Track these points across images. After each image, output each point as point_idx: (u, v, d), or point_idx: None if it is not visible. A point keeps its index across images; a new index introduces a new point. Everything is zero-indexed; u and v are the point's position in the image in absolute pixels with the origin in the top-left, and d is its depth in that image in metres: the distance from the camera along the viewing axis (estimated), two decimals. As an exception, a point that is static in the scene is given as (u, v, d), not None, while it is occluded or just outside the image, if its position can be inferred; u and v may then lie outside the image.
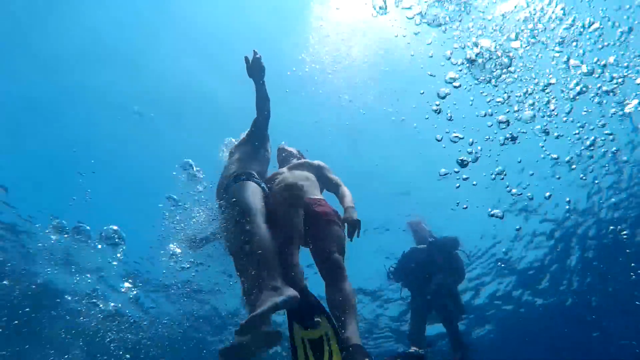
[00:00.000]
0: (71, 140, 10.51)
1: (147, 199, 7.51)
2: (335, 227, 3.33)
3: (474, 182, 7.84)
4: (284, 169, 3.93)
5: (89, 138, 10.73)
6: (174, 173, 5.19)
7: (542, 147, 8.31)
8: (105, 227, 7.84)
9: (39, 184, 9.58)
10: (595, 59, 6.60)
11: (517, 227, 10.25)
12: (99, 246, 8.21)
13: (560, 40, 6.43)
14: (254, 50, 3.70)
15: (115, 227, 7.82)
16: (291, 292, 2.62)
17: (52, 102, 10.20)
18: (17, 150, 9.96)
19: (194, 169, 5.38)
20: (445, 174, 7.63)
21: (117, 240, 7.90)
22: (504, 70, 6.14)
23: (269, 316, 2.57)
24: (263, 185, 3.50)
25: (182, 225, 4.69)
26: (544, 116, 7.17)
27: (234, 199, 3.15)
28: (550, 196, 9.59)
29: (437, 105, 6.25)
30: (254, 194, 3.20)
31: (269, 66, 3.67)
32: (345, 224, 3.39)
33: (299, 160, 4.14)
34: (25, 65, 9.43)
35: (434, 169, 8.37)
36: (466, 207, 8.84)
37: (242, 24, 10.56)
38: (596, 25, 6.23)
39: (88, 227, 8.03)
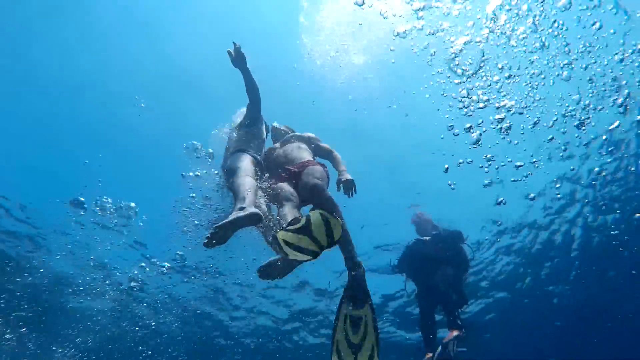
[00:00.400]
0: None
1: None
2: (311, 165, 3.80)
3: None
4: (277, 144, 4.48)
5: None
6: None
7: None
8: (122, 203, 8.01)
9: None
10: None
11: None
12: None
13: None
14: (233, 42, 4.07)
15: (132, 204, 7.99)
16: (253, 210, 3.12)
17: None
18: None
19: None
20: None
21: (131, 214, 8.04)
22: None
23: (232, 228, 3.03)
24: (255, 155, 4.05)
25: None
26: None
27: (229, 167, 3.79)
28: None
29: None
30: (243, 160, 3.82)
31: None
32: (341, 185, 3.92)
33: (289, 134, 4.62)
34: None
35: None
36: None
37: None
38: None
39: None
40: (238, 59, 4.08)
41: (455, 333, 7.07)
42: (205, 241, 2.98)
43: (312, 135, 4.57)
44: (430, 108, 7.91)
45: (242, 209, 3.15)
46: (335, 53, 6.88)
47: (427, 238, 8.28)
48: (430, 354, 7.06)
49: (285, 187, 3.67)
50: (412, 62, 7.09)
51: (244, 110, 4.44)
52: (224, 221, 3.01)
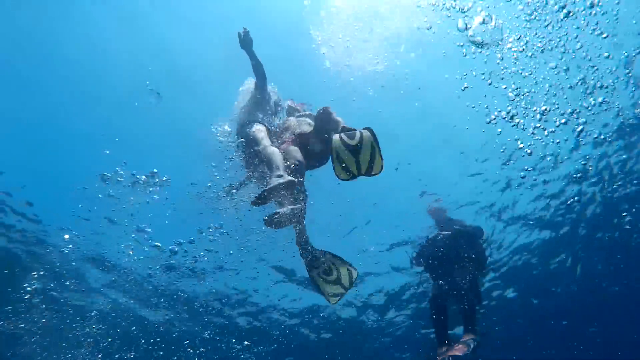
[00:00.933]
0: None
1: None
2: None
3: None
4: (292, 118, 4.96)
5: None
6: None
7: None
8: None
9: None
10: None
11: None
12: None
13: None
14: (243, 27, 4.75)
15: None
16: (290, 178, 3.57)
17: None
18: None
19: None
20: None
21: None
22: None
23: (274, 192, 3.51)
24: (266, 124, 4.67)
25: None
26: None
27: (250, 137, 4.39)
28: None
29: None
30: (261, 130, 4.44)
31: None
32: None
33: (305, 112, 5.10)
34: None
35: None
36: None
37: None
38: None
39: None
40: (246, 41, 4.75)
41: (471, 336, 7.05)
42: (253, 200, 3.56)
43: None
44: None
45: (280, 176, 3.60)
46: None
47: (449, 232, 8.24)
48: (444, 348, 7.06)
49: (294, 150, 4.20)
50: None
51: (248, 86, 5.16)
52: (268, 186, 3.50)
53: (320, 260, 4.06)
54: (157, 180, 7.22)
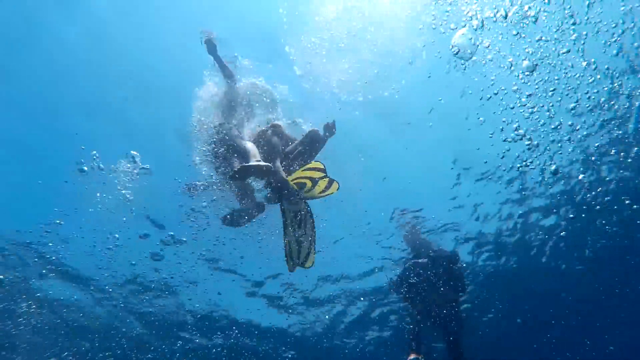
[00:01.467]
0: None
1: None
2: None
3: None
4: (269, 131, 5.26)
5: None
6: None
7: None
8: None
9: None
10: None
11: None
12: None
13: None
14: (206, 32, 5.35)
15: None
16: (267, 163, 4.00)
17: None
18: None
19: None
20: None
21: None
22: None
23: (250, 170, 3.91)
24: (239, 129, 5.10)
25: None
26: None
27: (229, 142, 4.78)
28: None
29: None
30: (235, 131, 4.91)
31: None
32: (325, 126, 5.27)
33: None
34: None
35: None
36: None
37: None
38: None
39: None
40: (210, 47, 5.30)
41: None
42: (231, 174, 3.93)
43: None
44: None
45: (258, 160, 4.03)
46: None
47: (425, 260, 8.10)
48: (414, 355, 6.83)
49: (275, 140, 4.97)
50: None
51: (212, 88, 5.51)
52: (247, 163, 3.91)
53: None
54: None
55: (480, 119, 7.26)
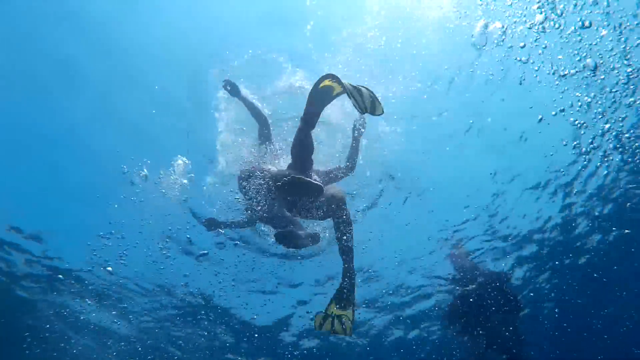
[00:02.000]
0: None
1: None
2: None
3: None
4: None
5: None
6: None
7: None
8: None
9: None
10: None
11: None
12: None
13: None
14: (224, 81, 5.12)
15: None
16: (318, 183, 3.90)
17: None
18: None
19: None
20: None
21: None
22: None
23: (302, 186, 3.77)
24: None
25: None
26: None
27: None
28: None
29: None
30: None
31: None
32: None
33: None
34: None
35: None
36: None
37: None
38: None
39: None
40: (233, 90, 5.05)
41: None
42: (285, 181, 3.83)
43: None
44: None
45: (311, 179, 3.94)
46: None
47: (473, 287, 8.03)
48: None
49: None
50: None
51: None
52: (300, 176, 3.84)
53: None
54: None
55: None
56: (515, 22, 5.52)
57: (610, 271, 10.02)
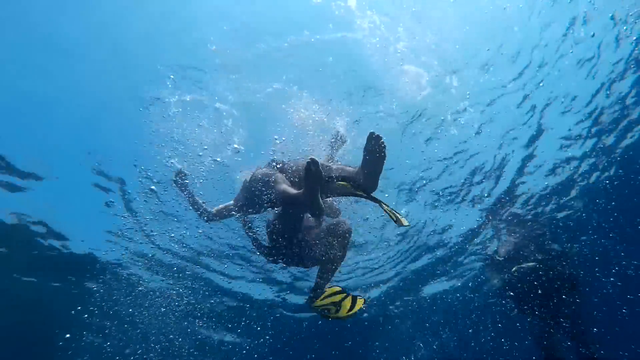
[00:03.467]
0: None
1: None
2: None
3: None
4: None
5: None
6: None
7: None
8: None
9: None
10: None
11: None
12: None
13: None
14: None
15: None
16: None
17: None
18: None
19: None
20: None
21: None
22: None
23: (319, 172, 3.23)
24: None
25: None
26: None
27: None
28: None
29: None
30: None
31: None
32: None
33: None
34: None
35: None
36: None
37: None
38: None
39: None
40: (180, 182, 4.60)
41: None
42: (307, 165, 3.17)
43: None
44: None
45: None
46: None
47: (533, 264, 7.75)
48: None
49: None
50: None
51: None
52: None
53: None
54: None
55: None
56: None
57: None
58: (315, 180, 3.18)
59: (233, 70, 5.57)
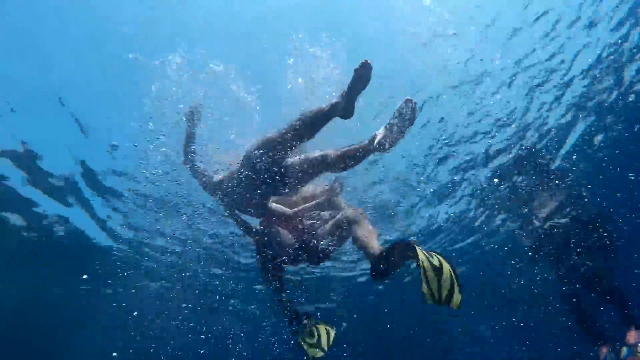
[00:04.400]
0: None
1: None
2: None
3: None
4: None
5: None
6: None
7: None
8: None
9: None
10: None
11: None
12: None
13: None
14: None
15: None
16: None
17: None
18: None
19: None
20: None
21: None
22: None
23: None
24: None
25: None
26: None
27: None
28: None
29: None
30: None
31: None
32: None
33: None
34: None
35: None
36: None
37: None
38: None
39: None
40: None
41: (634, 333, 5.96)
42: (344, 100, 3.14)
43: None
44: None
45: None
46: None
47: (566, 220, 7.03)
48: (606, 349, 6.06)
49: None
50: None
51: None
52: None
53: (304, 324, 3.83)
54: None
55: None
56: None
57: None
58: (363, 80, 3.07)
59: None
